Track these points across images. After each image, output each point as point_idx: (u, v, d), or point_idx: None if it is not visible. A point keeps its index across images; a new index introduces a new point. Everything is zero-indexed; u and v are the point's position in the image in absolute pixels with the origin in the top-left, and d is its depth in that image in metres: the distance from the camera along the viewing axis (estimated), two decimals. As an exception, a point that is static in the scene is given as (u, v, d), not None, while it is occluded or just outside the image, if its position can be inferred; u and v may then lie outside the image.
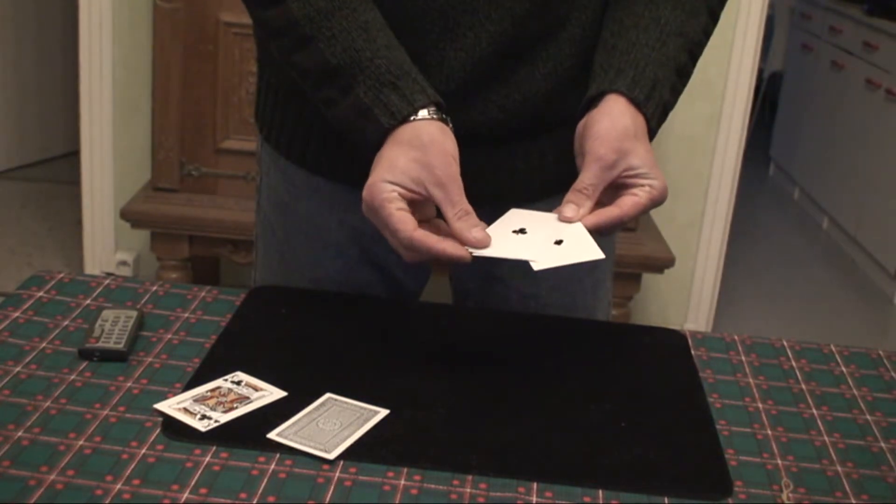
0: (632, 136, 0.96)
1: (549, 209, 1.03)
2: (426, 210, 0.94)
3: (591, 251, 0.92)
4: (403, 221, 0.91)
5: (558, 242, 0.93)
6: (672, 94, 1.03)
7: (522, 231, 0.96)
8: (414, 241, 0.90)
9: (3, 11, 3.81)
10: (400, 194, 0.92)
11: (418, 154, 0.92)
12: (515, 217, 0.98)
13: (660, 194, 0.96)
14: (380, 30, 0.97)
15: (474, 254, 0.91)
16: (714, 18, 1.07)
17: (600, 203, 0.96)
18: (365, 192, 0.93)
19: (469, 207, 0.92)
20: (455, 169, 0.93)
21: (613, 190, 0.97)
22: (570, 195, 0.96)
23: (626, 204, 0.95)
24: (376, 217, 0.93)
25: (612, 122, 0.96)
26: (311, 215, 1.16)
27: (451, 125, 0.96)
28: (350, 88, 0.96)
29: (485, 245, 0.91)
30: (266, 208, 1.22)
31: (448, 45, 1.02)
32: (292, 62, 0.99)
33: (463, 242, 0.91)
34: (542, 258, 0.91)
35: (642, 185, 0.96)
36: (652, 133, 1.00)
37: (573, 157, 1.02)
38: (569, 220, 0.94)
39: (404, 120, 0.94)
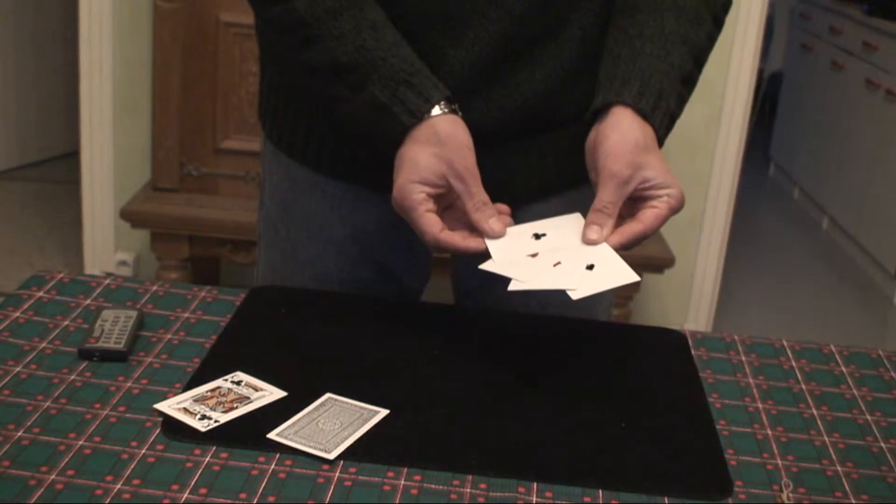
0: (643, 148, 0.96)
1: (548, 209, 1.03)
2: (452, 196, 0.98)
3: (625, 274, 0.92)
4: (430, 224, 0.95)
5: (590, 267, 0.93)
6: (678, 103, 1.03)
7: (542, 235, 0.97)
8: (440, 242, 0.96)
9: (3, 11, 3.81)
10: (427, 194, 0.96)
11: (437, 150, 0.95)
12: (542, 224, 0.99)
13: (678, 203, 0.96)
14: (387, 27, 0.98)
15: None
16: (718, 25, 1.07)
17: (619, 216, 0.97)
18: (396, 193, 0.97)
19: (486, 198, 0.97)
20: (472, 160, 0.96)
21: (631, 202, 0.97)
22: (591, 216, 0.96)
23: (648, 217, 0.96)
24: (407, 217, 0.97)
25: (621, 136, 0.96)
26: (313, 213, 1.16)
27: (460, 115, 0.99)
28: (362, 86, 0.97)
29: (500, 234, 0.96)
30: (269, 205, 1.22)
31: (448, 43, 1.02)
32: (300, 60, 1.00)
33: (481, 232, 0.96)
34: (579, 286, 0.91)
35: (660, 196, 0.96)
36: (660, 142, 1.00)
37: (573, 158, 1.02)
38: (594, 243, 0.95)
39: (422, 117, 0.96)
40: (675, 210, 0.97)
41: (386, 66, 0.97)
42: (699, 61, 1.05)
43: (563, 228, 0.98)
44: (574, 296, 0.90)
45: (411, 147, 0.97)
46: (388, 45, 0.97)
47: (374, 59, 0.97)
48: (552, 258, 0.95)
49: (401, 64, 0.97)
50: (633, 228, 0.95)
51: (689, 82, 1.04)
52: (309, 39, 0.98)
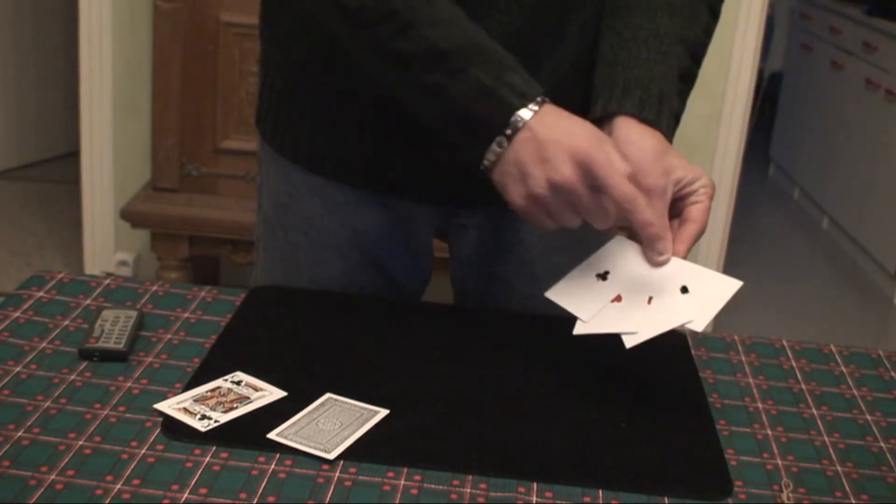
0: (662, 152, 0.96)
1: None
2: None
3: (728, 283, 0.92)
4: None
5: (684, 290, 0.92)
6: (680, 101, 1.03)
7: (605, 274, 0.96)
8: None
9: (3, 11, 3.81)
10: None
11: (580, 121, 0.92)
12: (594, 262, 0.97)
13: (713, 189, 0.97)
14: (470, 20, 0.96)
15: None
16: (715, 15, 1.07)
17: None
18: (587, 146, 0.90)
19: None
20: None
21: (670, 205, 0.97)
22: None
23: (697, 213, 0.96)
24: (595, 159, 0.89)
25: (640, 150, 0.95)
26: (312, 216, 1.16)
27: None
28: (464, 71, 0.93)
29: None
30: (267, 209, 1.22)
31: None
32: (390, 50, 0.96)
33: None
34: (696, 316, 0.90)
35: (696, 190, 0.96)
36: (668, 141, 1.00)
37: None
38: (665, 262, 0.94)
39: (534, 98, 0.92)
40: (712, 197, 0.97)
41: (489, 52, 0.94)
42: (697, 57, 1.05)
43: (618, 258, 0.97)
44: (697, 327, 0.89)
45: (557, 121, 0.91)
46: (485, 35, 0.95)
47: (477, 45, 0.94)
48: (641, 296, 0.93)
49: (502, 51, 0.95)
50: (690, 230, 0.96)
51: (688, 79, 1.04)
52: (403, 27, 0.94)
